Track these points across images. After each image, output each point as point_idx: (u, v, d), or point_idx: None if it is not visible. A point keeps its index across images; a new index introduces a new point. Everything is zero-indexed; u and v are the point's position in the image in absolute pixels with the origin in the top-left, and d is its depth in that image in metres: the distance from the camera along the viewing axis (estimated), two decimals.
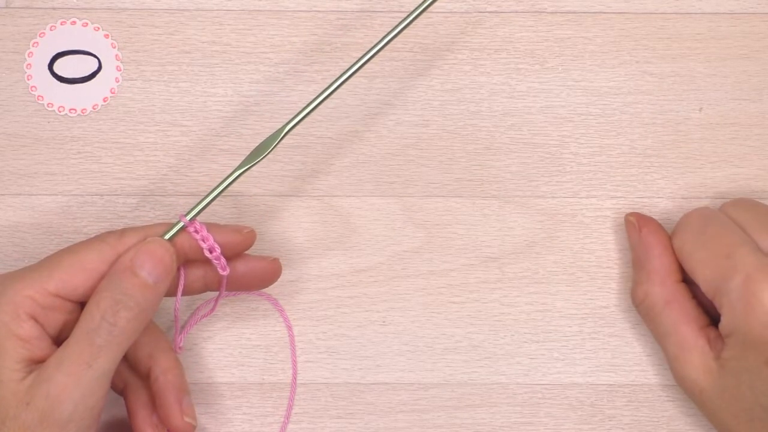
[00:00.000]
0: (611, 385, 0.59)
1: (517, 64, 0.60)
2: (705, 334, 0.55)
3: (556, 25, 0.60)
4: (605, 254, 0.59)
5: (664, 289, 0.56)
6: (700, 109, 0.60)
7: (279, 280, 0.56)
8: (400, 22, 0.53)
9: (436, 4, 0.53)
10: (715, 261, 0.53)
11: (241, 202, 0.59)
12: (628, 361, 0.59)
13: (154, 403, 0.54)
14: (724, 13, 0.60)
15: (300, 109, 0.53)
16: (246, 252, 0.55)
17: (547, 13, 0.60)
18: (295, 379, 0.59)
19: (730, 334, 0.53)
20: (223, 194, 0.52)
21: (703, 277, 0.54)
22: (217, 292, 0.55)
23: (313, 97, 0.53)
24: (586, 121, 0.60)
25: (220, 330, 0.59)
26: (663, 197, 0.60)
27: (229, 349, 0.59)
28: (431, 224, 0.59)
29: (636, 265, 0.57)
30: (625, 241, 0.59)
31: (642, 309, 0.57)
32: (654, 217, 0.59)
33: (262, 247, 0.58)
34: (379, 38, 0.53)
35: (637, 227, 0.57)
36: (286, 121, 0.57)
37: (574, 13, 0.60)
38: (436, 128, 0.60)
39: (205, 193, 0.57)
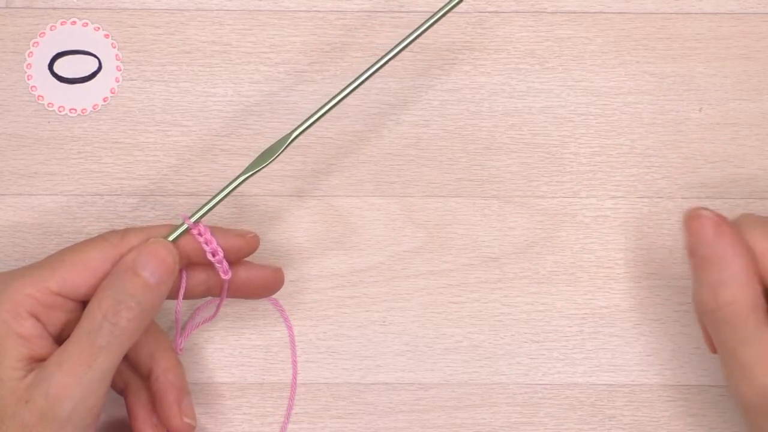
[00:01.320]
0: (611, 385, 0.59)
1: (517, 64, 0.60)
2: None
3: (556, 25, 0.60)
4: (605, 254, 0.59)
5: (753, 291, 0.50)
6: (700, 109, 0.60)
7: None
8: (417, 29, 0.53)
9: (444, 7, 0.53)
10: None
11: (242, 202, 0.59)
12: (628, 361, 0.59)
13: (154, 403, 0.54)
14: (724, 13, 0.60)
15: (309, 115, 0.52)
16: (249, 259, 0.54)
17: (547, 13, 0.60)
18: (295, 379, 0.59)
19: None
20: None
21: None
22: (218, 297, 0.55)
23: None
24: (586, 121, 0.60)
25: (221, 330, 0.59)
26: (663, 197, 0.60)
27: (229, 349, 0.59)
28: (431, 224, 0.59)
29: (711, 266, 0.51)
30: (625, 241, 0.59)
31: (723, 314, 0.50)
32: (654, 217, 0.59)
33: (263, 247, 0.58)
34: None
35: (715, 223, 0.51)
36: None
37: (574, 13, 0.60)
38: (436, 128, 0.60)
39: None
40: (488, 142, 0.60)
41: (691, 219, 0.51)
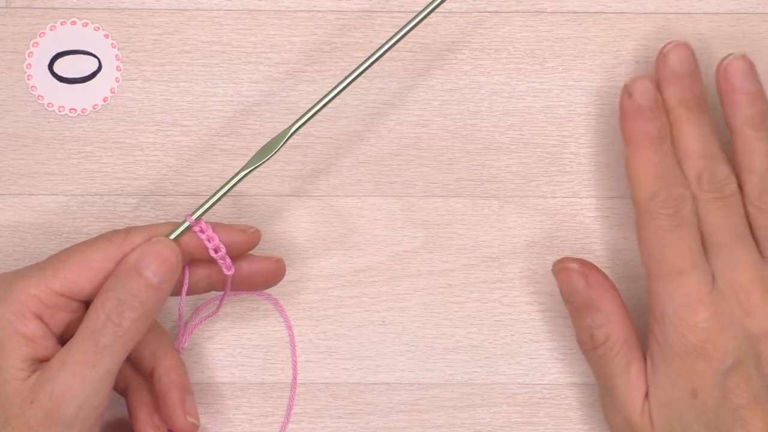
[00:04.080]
0: None
1: (517, 64, 0.60)
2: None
3: (556, 25, 0.60)
4: (605, 254, 0.59)
5: (624, 327, 0.55)
6: None
7: None
8: (409, 22, 0.53)
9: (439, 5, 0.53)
10: (667, 271, 0.53)
11: (241, 202, 0.59)
12: None
13: (156, 403, 0.54)
14: (724, 13, 0.60)
15: (307, 109, 0.53)
16: (250, 252, 0.55)
17: (547, 13, 0.60)
18: (295, 379, 0.59)
19: (659, 355, 0.53)
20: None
21: (650, 275, 0.54)
22: (221, 292, 0.55)
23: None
24: (586, 121, 0.60)
25: (221, 330, 0.59)
26: None
27: (230, 349, 0.59)
28: (431, 224, 0.60)
29: (586, 311, 0.55)
30: (625, 241, 0.59)
31: (600, 351, 0.55)
32: None
33: (263, 247, 0.58)
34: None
35: (583, 273, 0.55)
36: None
37: (574, 13, 0.60)
38: (436, 128, 0.60)
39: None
40: (488, 142, 0.60)
41: (560, 272, 0.56)
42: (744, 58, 0.55)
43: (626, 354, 0.54)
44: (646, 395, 0.54)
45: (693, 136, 0.55)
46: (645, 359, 0.55)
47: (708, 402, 0.52)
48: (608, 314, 0.55)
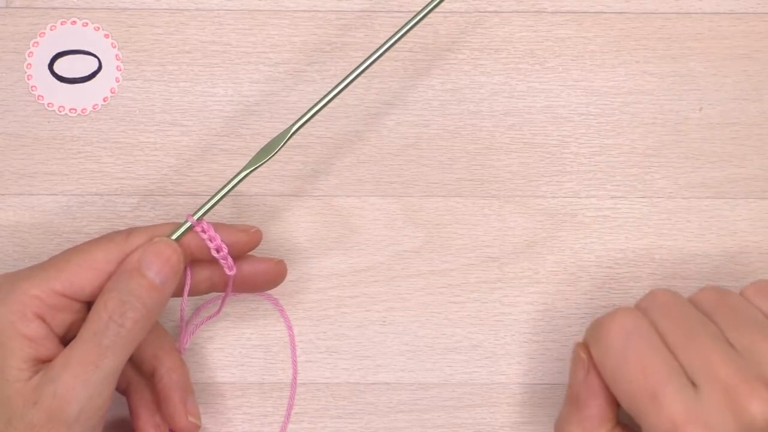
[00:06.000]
0: None
1: (517, 64, 0.60)
2: None
3: (556, 25, 0.60)
4: (605, 254, 0.59)
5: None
6: (700, 109, 0.60)
7: None
8: (408, 21, 0.53)
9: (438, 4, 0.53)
10: (640, 398, 0.49)
11: (241, 201, 0.59)
12: None
13: (157, 402, 0.54)
14: (724, 13, 0.60)
15: (307, 110, 0.53)
16: (251, 253, 0.55)
17: (547, 13, 0.60)
18: (295, 379, 0.59)
19: None
20: None
21: (628, 409, 0.50)
22: (222, 293, 0.55)
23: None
24: (586, 121, 0.60)
25: (221, 330, 0.59)
26: (663, 197, 0.60)
27: (230, 349, 0.59)
28: (431, 224, 0.60)
29: (571, 401, 0.53)
30: (625, 241, 0.59)
31: None
32: (654, 217, 0.59)
33: (263, 247, 0.58)
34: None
35: (586, 366, 0.52)
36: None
37: (574, 13, 0.60)
38: (436, 128, 0.60)
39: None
40: (488, 142, 0.60)
41: (573, 356, 0.53)
42: None
43: None
44: None
45: None
46: None
47: None
48: (583, 419, 0.52)
